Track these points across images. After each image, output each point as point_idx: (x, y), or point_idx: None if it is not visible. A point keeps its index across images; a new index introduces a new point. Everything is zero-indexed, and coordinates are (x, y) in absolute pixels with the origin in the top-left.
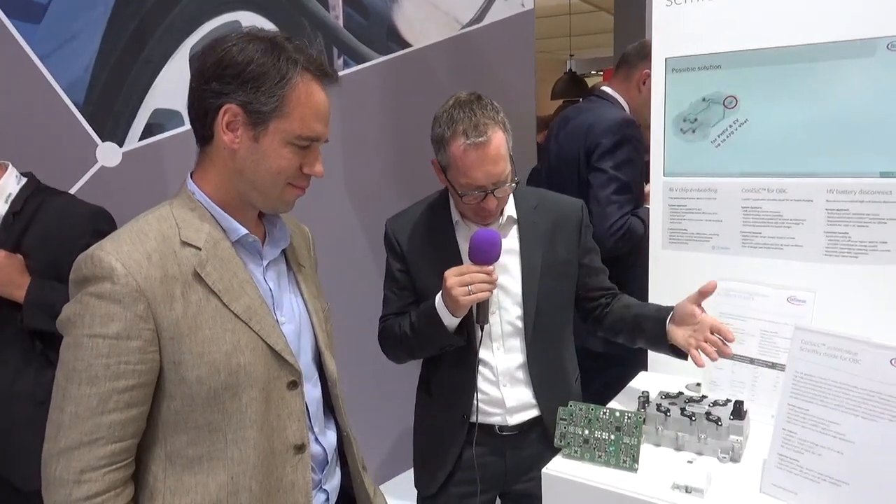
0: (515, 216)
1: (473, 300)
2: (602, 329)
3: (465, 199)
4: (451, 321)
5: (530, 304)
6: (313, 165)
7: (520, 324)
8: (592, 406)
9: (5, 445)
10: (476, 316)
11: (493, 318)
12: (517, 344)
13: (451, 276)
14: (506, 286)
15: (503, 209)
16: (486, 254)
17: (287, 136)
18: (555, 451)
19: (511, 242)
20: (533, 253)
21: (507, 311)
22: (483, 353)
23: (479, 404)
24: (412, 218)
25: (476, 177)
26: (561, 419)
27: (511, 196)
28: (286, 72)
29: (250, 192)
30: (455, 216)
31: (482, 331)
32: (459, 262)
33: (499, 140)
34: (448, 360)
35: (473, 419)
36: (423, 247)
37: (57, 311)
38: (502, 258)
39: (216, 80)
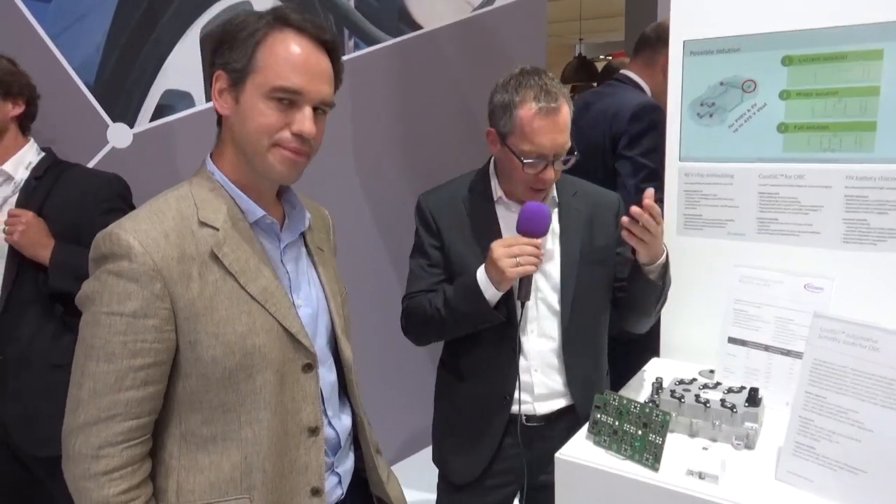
0: (557, 199)
1: (521, 272)
2: (621, 312)
3: (526, 168)
4: (493, 295)
5: (568, 289)
6: (300, 123)
7: (557, 307)
8: (626, 399)
9: (19, 410)
10: (518, 291)
11: (530, 301)
12: (552, 328)
13: (499, 247)
14: (544, 269)
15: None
16: (536, 224)
17: (262, 89)
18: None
19: (552, 225)
20: (572, 238)
21: (544, 293)
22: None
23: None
24: (448, 194)
25: (542, 143)
26: (596, 406)
27: None
28: (254, 26)
29: (247, 162)
30: (496, 193)
31: (523, 307)
32: (499, 238)
33: (567, 111)
34: (486, 339)
35: (514, 404)
36: (460, 223)
37: (81, 273)
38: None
39: (211, 53)
